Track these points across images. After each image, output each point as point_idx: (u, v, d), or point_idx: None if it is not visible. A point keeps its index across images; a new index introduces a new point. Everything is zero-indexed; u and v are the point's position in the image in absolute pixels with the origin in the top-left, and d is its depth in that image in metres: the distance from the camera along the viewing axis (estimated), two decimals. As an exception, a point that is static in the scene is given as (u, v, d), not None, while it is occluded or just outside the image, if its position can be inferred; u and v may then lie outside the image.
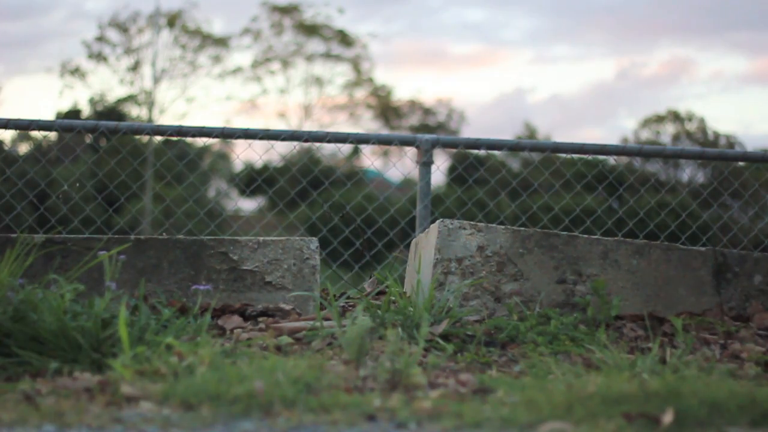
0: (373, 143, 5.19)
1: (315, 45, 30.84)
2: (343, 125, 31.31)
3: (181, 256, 3.05)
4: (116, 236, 3.13)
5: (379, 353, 2.38)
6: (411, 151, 5.09)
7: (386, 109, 32.04)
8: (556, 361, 2.47)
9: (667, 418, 1.80)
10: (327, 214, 5.72)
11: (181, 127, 4.93)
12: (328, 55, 30.99)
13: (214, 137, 4.97)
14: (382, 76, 60.80)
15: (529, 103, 47.17)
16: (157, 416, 1.85)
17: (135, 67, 28.40)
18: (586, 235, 3.14)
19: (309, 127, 30.11)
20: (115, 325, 2.32)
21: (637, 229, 5.30)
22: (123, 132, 4.96)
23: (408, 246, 3.64)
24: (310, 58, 30.87)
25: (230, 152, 21.05)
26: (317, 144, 5.11)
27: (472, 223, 3.08)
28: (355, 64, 31.18)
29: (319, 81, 31.04)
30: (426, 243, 3.17)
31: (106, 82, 34.75)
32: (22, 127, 4.84)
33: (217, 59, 29.38)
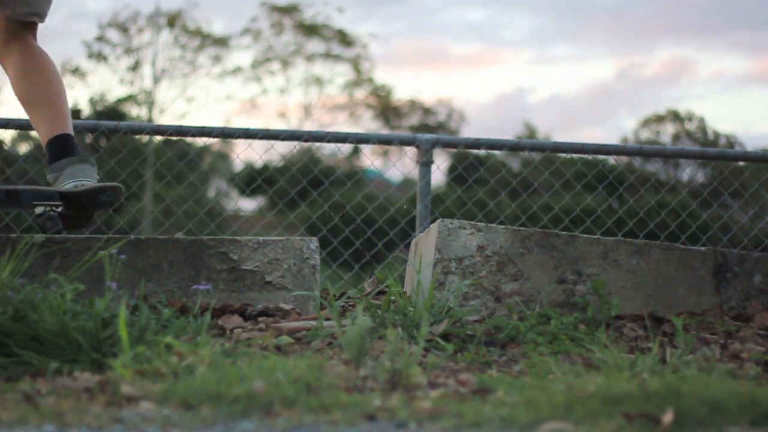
0: (373, 143, 5.20)
1: (315, 45, 30.85)
2: (343, 125, 31.34)
3: (181, 256, 3.05)
4: (116, 236, 3.12)
5: (379, 353, 2.38)
6: (411, 151, 5.09)
7: (386, 109, 32.06)
8: (556, 361, 2.47)
9: (667, 418, 1.80)
10: (327, 214, 5.72)
11: (181, 127, 4.94)
12: (328, 55, 31.00)
13: (214, 137, 4.97)
14: (382, 76, 60.83)
15: (529, 103, 47.20)
16: (157, 416, 1.85)
17: (135, 67, 28.42)
18: (586, 235, 3.14)
19: (309, 127, 30.13)
20: (115, 325, 2.32)
21: (637, 229, 5.30)
22: (123, 132, 4.96)
23: (408, 246, 3.64)
24: (310, 58, 30.88)
25: (230, 152, 21.05)
26: (317, 144, 5.12)
27: (472, 222, 3.08)
28: (355, 64, 31.20)
29: (319, 81, 31.06)
30: (426, 243, 3.17)
31: (106, 82, 34.80)
32: (22, 127, 4.84)
33: (217, 59, 29.40)
